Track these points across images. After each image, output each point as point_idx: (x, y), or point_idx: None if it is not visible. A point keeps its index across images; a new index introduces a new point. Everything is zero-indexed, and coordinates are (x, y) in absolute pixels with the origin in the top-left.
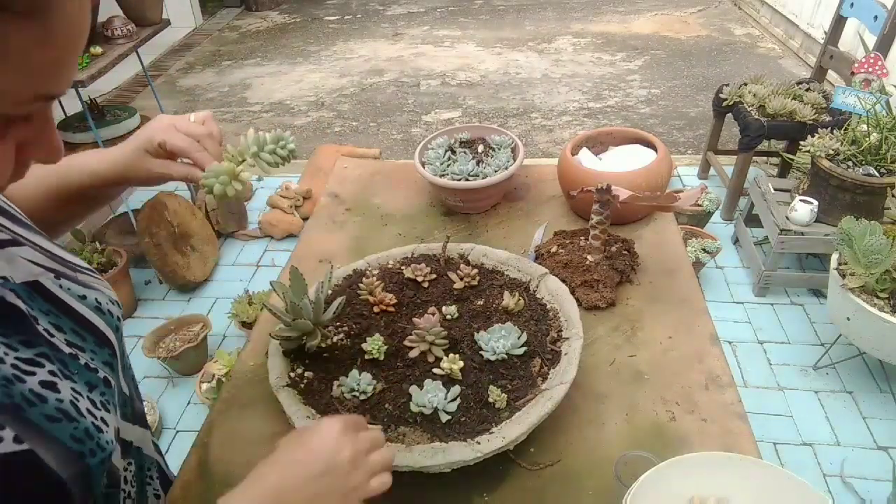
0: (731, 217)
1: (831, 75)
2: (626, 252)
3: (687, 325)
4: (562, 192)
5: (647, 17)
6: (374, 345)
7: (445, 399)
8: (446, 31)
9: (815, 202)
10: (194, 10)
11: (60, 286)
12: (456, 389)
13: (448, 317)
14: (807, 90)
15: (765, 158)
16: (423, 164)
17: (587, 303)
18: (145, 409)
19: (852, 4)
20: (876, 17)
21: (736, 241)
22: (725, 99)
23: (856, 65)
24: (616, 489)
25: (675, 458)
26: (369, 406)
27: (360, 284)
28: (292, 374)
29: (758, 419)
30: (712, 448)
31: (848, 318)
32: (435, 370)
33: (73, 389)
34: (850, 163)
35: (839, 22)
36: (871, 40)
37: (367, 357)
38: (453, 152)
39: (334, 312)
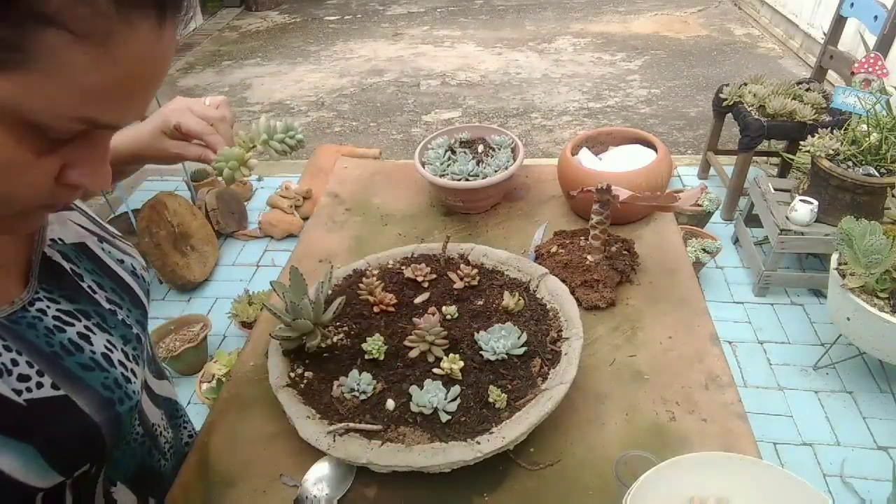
0: (731, 217)
1: (831, 75)
2: (626, 252)
3: (687, 325)
4: (562, 192)
5: (647, 17)
6: (374, 345)
7: (445, 399)
8: (446, 31)
9: (815, 202)
10: (194, 10)
11: (103, 249)
12: (456, 389)
13: (448, 317)
14: (807, 90)
15: (765, 158)
16: (423, 164)
17: (587, 303)
18: None
19: (852, 4)
20: (876, 17)
21: (736, 241)
22: (725, 99)
23: (856, 65)
24: (616, 489)
25: (675, 458)
26: (369, 406)
27: (360, 284)
28: (292, 374)
29: (758, 419)
30: (712, 448)
31: (848, 318)
32: (435, 370)
33: (108, 342)
34: (850, 163)
35: (839, 22)
36: (871, 40)
37: (367, 357)
38: (453, 152)
39: (334, 312)
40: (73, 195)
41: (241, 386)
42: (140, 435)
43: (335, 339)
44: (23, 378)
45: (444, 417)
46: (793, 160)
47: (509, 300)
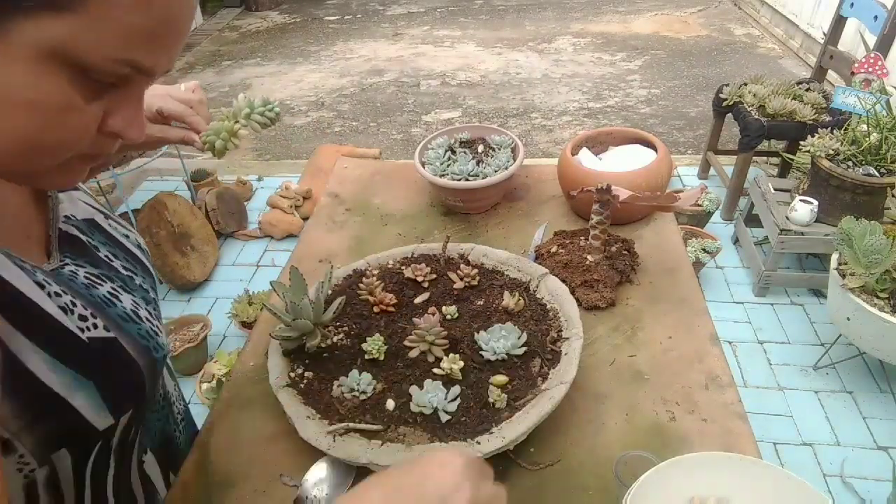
0: (731, 217)
1: (831, 75)
2: (626, 252)
3: (687, 325)
4: (562, 192)
5: (647, 17)
6: (374, 345)
7: (445, 399)
8: (446, 31)
9: (815, 202)
10: None
11: (109, 225)
12: (456, 389)
13: (448, 317)
14: (807, 90)
15: (765, 158)
16: (423, 164)
17: (587, 303)
18: None
19: (852, 4)
20: (876, 17)
21: (736, 241)
22: (725, 99)
23: (856, 65)
24: (616, 489)
25: (675, 458)
26: (369, 406)
27: (360, 284)
28: (292, 374)
29: (758, 419)
30: (712, 448)
31: (848, 318)
32: (435, 370)
33: (133, 301)
34: (850, 163)
35: (839, 22)
36: (871, 40)
37: (367, 357)
38: (453, 152)
39: (334, 312)
40: (112, 145)
41: (241, 386)
42: (161, 398)
43: (335, 339)
44: (82, 318)
45: (444, 417)
46: (793, 160)
47: (509, 300)
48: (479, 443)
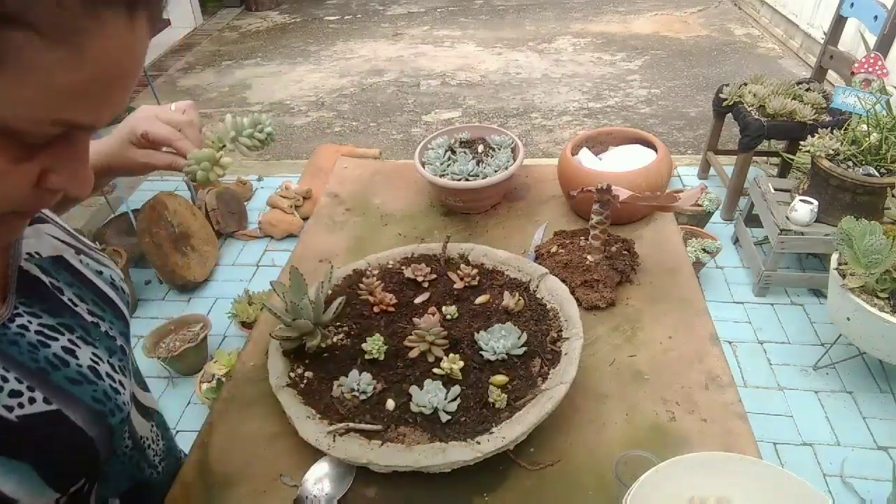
0: (731, 217)
1: (831, 75)
2: (626, 252)
3: (687, 325)
4: (562, 192)
5: (647, 17)
6: (374, 345)
7: (445, 399)
8: (446, 31)
9: (815, 202)
10: (194, 10)
11: (80, 261)
12: (456, 389)
13: (448, 317)
14: (807, 90)
15: (765, 158)
16: (423, 164)
17: (587, 303)
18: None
19: (852, 4)
20: (876, 17)
21: (736, 241)
22: (725, 99)
23: (856, 65)
24: (616, 489)
25: (675, 458)
26: (369, 406)
27: (360, 284)
28: (292, 374)
29: (758, 419)
30: (712, 448)
31: (848, 318)
32: (435, 370)
33: (93, 354)
34: (850, 163)
35: (839, 22)
36: (871, 40)
37: (367, 357)
38: (453, 152)
39: (334, 312)
40: (52, 199)
41: (241, 386)
42: (129, 448)
43: (335, 339)
44: (14, 394)
45: (444, 417)
46: (793, 160)
47: (509, 300)
48: (479, 443)
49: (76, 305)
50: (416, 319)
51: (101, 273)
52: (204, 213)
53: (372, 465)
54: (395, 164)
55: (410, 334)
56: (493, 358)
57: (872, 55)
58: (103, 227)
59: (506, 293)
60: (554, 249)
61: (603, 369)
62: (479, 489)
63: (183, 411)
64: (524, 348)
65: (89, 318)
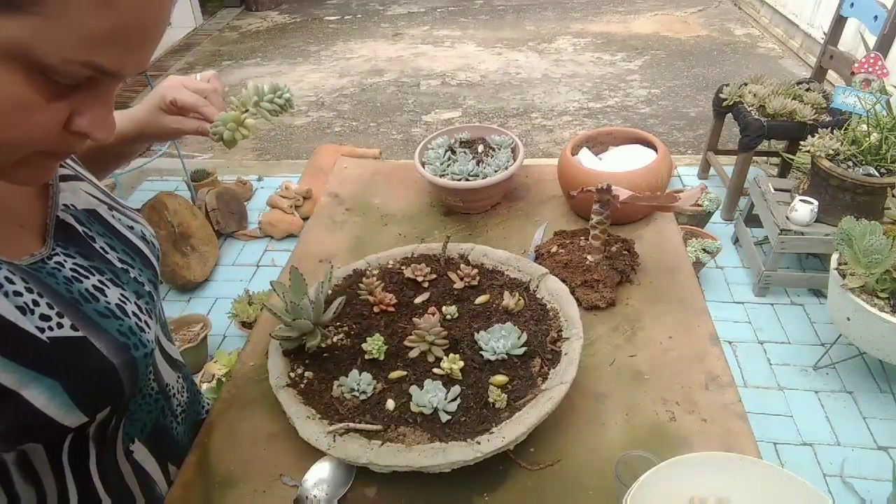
0: (731, 217)
1: (831, 75)
2: (626, 252)
3: (687, 325)
4: (562, 192)
5: (647, 17)
6: (374, 345)
7: (445, 399)
8: (446, 31)
9: (815, 202)
10: (194, 10)
11: (113, 216)
12: (456, 389)
13: (448, 317)
14: (807, 90)
15: (765, 158)
16: (423, 164)
17: (587, 303)
18: None
19: (852, 4)
20: (876, 17)
21: (736, 241)
22: (725, 99)
23: (856, 65)
24: (616, 489)
25: (675, 458)
26: (369, 406)
27: (360, 284)
28: (292, 374)
29: (758, 419)
30: (712, 448)
31: (848, 318)
32: (435, 370)
33: (122, 295)
34: (850, 163)
35: (839, 22)
36: (871, 40)
37: (367, 357)
38: (453, 152)
39: (334, 312)
40: (78, 144)
41: (241, 386)
42: (155, 392)
43: (335, 339)
44: (44, 318)
45: (444, 417)
46: (793, 160)
47: (509, 300)
48: (479, 443)
49: (107, 252)
50: (416, 319)
51: (132, 228)
52: (204, 213)
53: (372, 465)
54: (395, 164)
55: (410, 334)
56: (493, 358)
57: (872, 55)
58: None
59: (506, 293)
60: (554, 249)
61: (603, 369)
62: (479, 489)
63: None
64: (524, 348)
65: (119, 265)
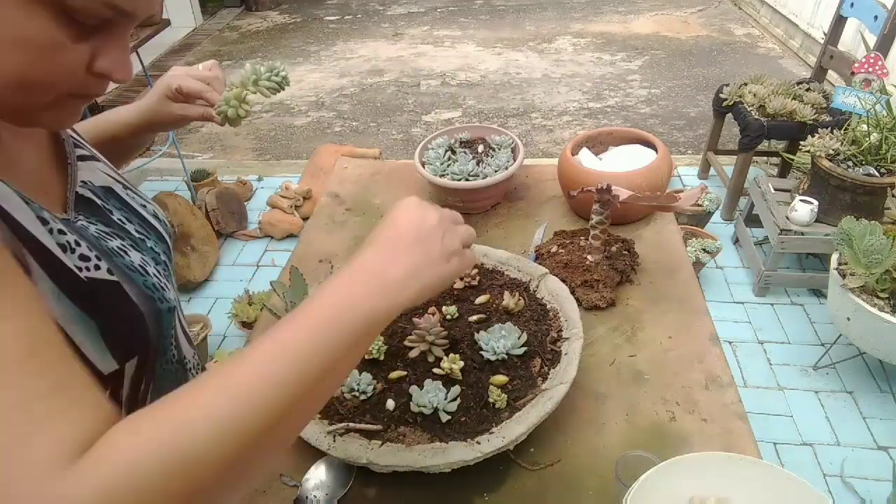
0: (731, 217)
1: (831, 75)
2: (626, 252)
3: (687, 325)
4: (562, 192)
5: (647, 17)
6: (374, 345)
7: (445, 399)
8: (446, 31)
9: (815, 202)
10: (194, 10)
11: (127, 195)
12: (456, 389)
13: (448, 317)
14: (807, 90)
15: (765, 158)
16: (423, 164)
17: (587, 303)
18: None
19: (852, 4)
20: (876, 17)
21: (736, 241)
22: (725, 99)
23: (856, 65)
24: (616, 489)
25: (675, 458)
26: (369, 406)
27: None
28: None
29: (758, 419)
30: (712, 448)
31: (848, 318)
32: (435, 370)
33: (142, 258)
34: (850, 163)
35: (839, 22)
36: (871, 40)
37: (367, 357)
38: (453, 152)
39: None
40: (101, 86)
41: None
42: (175, 360)
43: None
44: (83, 258)
45: (444, 417)
46: (793, 160)
47: (509, 300)
48: (479, 443)
49: (125, 224)
50: (416, 319)
51: (145, 206)
52: (204, 213)
53: (372, 465)
54: (395, 164)
55: (410, 334)
56: (493, 358)
57: (872, 55)
58: None
59: (506, 293)
60: (554, 249)
61: (603, 369)
62: (479, 489)
63: None
64: (524, 348)
65: (137, 235)
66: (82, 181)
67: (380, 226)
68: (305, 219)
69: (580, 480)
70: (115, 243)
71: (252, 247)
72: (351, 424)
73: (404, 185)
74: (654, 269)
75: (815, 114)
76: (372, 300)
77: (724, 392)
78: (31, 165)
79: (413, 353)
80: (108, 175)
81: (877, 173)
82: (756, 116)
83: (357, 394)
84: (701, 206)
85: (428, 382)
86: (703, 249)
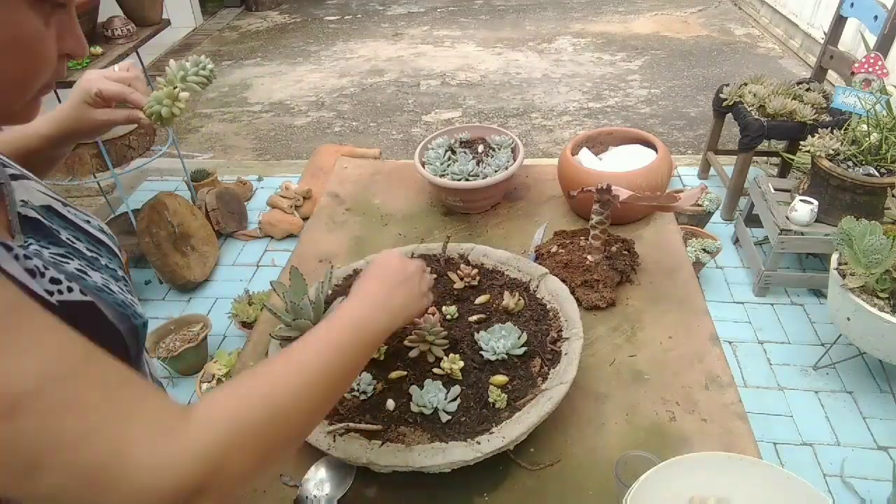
0: (731, 217)
1: (831, 75)
2: (626, 252)
3: (687, 325)
4: (562, 192)
5: (647, 17)
6: None
7: (445, 399)
8: (446, 31)
9: (815, 202)
10: (194, 10)
11: (69, 212)
12: (456, 389)
13: (448, 317)
14: (807, 90)
15: (765, 158)
16: (423, 164)
17: (587, 303)
18: None
19: (852, 4)
20: (876, 17)
21: (736, 241)
22: (725, 99)
23: (856, 65)
24: (616, 489)
25: (675, 458)
26: (369, 406)
27: None
28: None
29: (758, 419)
30: (712, 448)
31: (848, 318)
32: (435, 370)
33: (102, 277)
34: (850, 163)
35: (839, 22)
36: (871, 40)
37: None
38: (453, 152)
39: None
40: (63, 70)
41: None
42: (149, 377)
43: None
44: (54, 281)
45: (444, 417)
46: (793, 160)
47: (509, 300)
48: (479, 443)
49: (75, 243)
50: (416, 319)
51: (88, 222)
52: (204, 213)
53: (372, 465)
54: (395, 164)
55: (410, 334)
56: (493, 358)
57: (872, 55)
58: None
59: (506, 293)
60: (554, 249)
61: (603, 369)
62: (479, 489)
63: None
64: (524, 348)
65: (89, 254)
66: (21, 200)
67: (371, 268)
68: (305, 219)
69: (580, 480)
70: (72, 265)
71: (252, 247)
72: (351, 424)
73: (404, 185)
74: (654, 269)
75: (815, 114)
76: (381, 321)
77: (724, 392)
78: None
79: (413, 353)
80: (45, 193)
81: (877, 173)
82: (756, 116)
83: (357, 394)
84: (701, 206)
85: (428, 382)
86: (703, 249)
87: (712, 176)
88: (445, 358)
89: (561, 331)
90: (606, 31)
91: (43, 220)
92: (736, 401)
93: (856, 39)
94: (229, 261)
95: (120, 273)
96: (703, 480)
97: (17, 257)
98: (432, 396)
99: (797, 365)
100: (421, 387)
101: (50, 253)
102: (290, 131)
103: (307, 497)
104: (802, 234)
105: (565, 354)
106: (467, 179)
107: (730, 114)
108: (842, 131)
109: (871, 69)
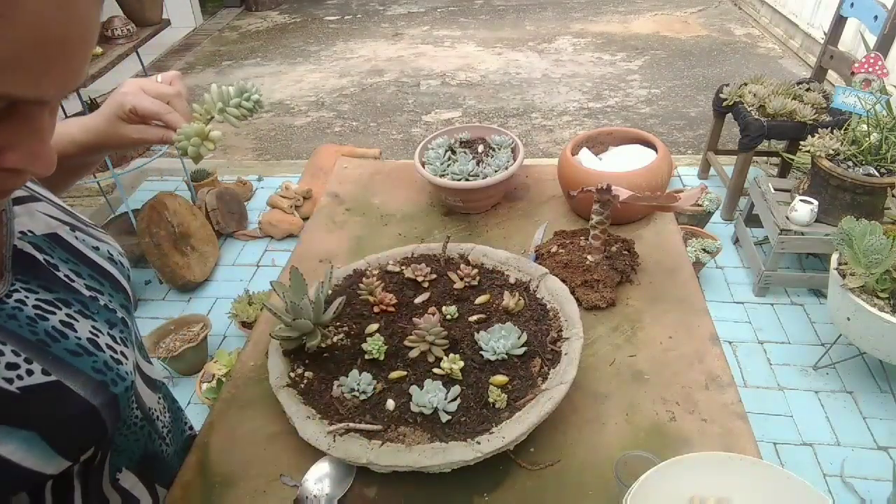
0: (731, 217)
1: (831, 75)
2: (626, 252)
3: (687, 325)
4: (562, 192)
5: (647, 17)
6: (374, 345)
7: (445, 399)
8: (446, 31)
9: (815, 202)
10: (194, 10)
11: (76, 237)
12: (456, 389)
13: (448, 317)
14: (807, 90)
15: (765, 158)
16: (423, 164)
17: (587, 303)
18: None
19: (852, 4)
20: (876, 17)
21: (736, 241)
22: (725, 99)
23: (856, 65)
24: (616, 489)
25: (675, 458)
26: (369, 406)
27: (360, 284)
28: (292, 374)
29: (758, 419)
30: (712, 448)
31: (848, 318)
32: (435, 370)
33: (93, 327)
34: (850, 163)
35: (839, 22)
36: (871, 40)
37: (367, 357)
38: (453, 152)
39: (334, 312)
40: (16, 180)
41: (241, 386)
42: (139, 419)
43: (335, 339)
44: (11, 366)
45: (444, 417)
46: (793, 160)
47: (509, 300)
48: (479, 443)
49: (73, 281)
50: (416, 319)
51: (97, 248)
52: (204, 213)
53: (372, 465)
54: (395, 164)
55: (410, 334)
56: (493, 358)
57: (872, 55)
58: (103, 227)
59: (506, 293)
60: (554, 249)
61: (603, 369)
62: (479, 489)
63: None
64: (524, 348)
65: (87, 293)
66: (21, 232)
67: None
68: (305, 219)
69: (580, 480)
70: (58, 317)
71: (252, 247)
72: (351, 424)
73: (404, 185)
74: (654, 269)
75: (815, 114)
76: None
77: (724, 392)
78: None
79: (413, 353)
80: (52, 217)
81: (877, 173)
82: (756, 116)
83: (357, 394)
84: (701, 206)
85: (428, 382)
86: (703, 249)
87: (712, 176)
88: (445, 358)
89: (561, 331)
90: (606, 31)
91: (40, 254)
92: (736, 401)
93: (856, 39)
94: (229, 261)
95: (119, 315)
96: (703, 480)
97: None
98: (432, 396)
99: (797, 365)
100: (421, 387)
101: (36, 299)
102: (290, 131)
103: (307, 497)
104: (802, 234)
105: (565, 354)
106: (467, 179)
107: (730, 114)
108: (842, 131)
109: (871, 69)
